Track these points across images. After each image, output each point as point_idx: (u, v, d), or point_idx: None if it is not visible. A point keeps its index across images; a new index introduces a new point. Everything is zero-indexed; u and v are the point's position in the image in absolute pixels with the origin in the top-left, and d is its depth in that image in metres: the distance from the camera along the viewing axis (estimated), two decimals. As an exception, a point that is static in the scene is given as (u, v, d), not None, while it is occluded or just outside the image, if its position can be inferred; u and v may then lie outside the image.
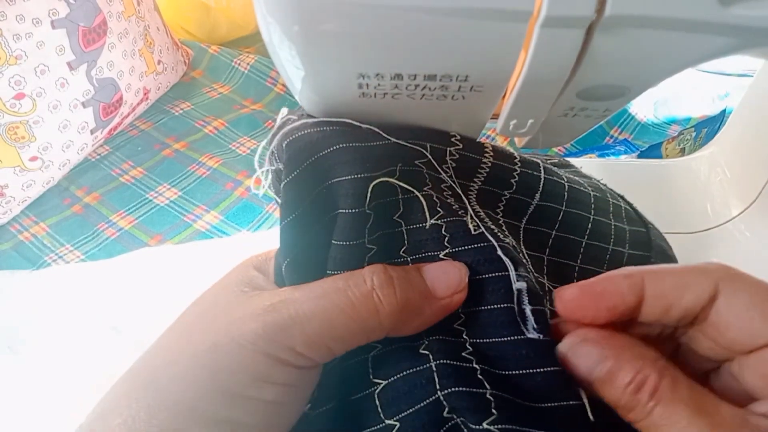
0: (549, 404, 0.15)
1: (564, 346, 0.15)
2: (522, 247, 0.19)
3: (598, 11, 0.12)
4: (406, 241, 0.17)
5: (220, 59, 0.87)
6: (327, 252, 0.16)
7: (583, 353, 0.14)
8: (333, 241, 0.16)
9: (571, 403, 0.15)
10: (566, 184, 0.20)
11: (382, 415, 0.16)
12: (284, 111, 0.19)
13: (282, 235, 0.17)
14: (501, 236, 0.17)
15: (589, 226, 0.21)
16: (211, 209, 0.64)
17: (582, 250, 0.21)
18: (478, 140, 0.19)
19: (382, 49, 0.13)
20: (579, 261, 0.21)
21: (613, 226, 0.22)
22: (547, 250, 0.20)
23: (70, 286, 0.56)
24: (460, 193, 0.18)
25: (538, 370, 0.15)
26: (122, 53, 0.70)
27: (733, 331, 0.14)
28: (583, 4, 0.12)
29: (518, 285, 0.16)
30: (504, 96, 0.16)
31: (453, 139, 0.18)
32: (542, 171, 0.20)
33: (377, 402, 0.16)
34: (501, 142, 0.70)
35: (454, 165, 0.18)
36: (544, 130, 0.18)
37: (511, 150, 0.20)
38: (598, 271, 0.21)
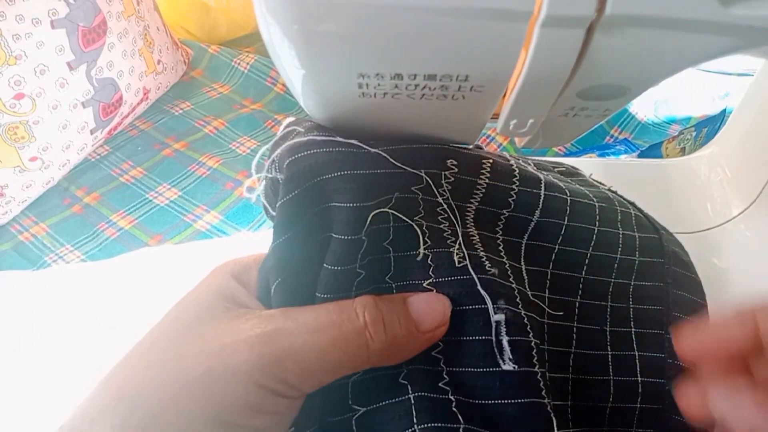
0: None
1: (716, 397, 0.14)
2: (522, 263, 0.19)
3: (598, 11, 0.12)
4: (392, 268, 0.17)
5: (219, 59, 0.87)
6: (317, 274, 0.17)
7: (737, 402, 0.13)
8: (324, 265, 0.16)
9: None
10: (568, 198, 0.20)
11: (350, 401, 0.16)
12: (290, 119, 0.19)
13: (274, 253, 0.17)
14: (488, 265, 0.17)
15: (594, 237, 0.21)
16: (211, 209, 0.64)
17: (587, 261, 0.21)
18: (477, 156, 0.19)
19: (382, 48, 0.13)
20: (584, 272, 0.21)
21: (621, 235, 0.22)
22: (551, 264, 0.20)
23: (70, 287, 0.56)
24: (454, 217, 0.18)
25: (511, 401, 0.16)
26: (122, 53, 0.70)
27: None
28: (583, 3, 0.12)
29: (496, 317, 0.16)
30: (504, 96, 0.16)
31: (449, 163, 0.18)
32: (543, 188, 0.20)
33: (354, 428, 0.16)
34: (501, 142, 0.70)
35: (449, 188, 0.18)
36: (544, 129, 0.18)
37: (512, 165, 0.20)
38: (606, 281, 0.21)
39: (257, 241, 0.60)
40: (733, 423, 0.14)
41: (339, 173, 0.16)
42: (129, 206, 0.65)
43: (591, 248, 0.21)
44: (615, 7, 0.12)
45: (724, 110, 0.60)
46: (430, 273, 0.17)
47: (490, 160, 0.19)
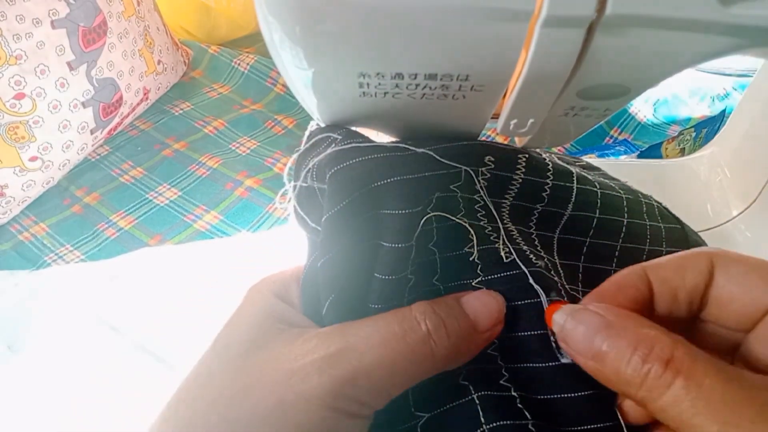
0: (586, 427, 0.15)
1: (560, 317, 0.14)
2: (556, 257, 0.19)
3: (598, 11, 0.12)
4: (438, 269, 0.17)
5: (220, 59, 0.87)
6: (368, 284, 0.16)
7: (583, 319, 0.14)
8: (376, 275, 0.16)
9: (607, 424, 0.15)
10: (599, 191, 0.20)
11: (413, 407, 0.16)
12: (312, 124, 0.19)
13: (323, 269, 0.16)
14: (533, 259, 0.17)
15: (624, 229, 0.21)
16: (211, 209, 0.64)
17: (617, 253, 0.21)
18: (513, 151, 0.19)
19: (382, 48, 0.13)
20: (615, 264, 0.21)
21: (648, 226, 0.22)
22: (582, 257, 0.20)
23: (69, 286, 0.56)
24: (494, 213, 0.17)
25: (573, 394, 0.15)
26: (122, 53, 0.70)
27: (735, 302, 0.14)
28: (583, 3, 0.12)
29: (546, 298, 0.16)
30: (504, 95, 0.16)
31: (486, 159, 0.18)
32: (575, 181, 0.20)
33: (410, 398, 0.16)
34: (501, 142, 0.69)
35: (486, 184, 0.18)
36: (545, 129, 0.18)
37: (546, 159, 0.19)
38: None
39: (257, 241, 0.60)
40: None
41: (389, 180, 0.16)
42: (129, 206, 0.65)
43: (621, 240, 0.21)
44: (615, 7, 0.12)
45: (724, 110, 0.60)
46: (478, 271, 0.17)
47: (526, 155, 0.19)
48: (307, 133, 0.18)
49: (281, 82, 0.82)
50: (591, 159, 0.61)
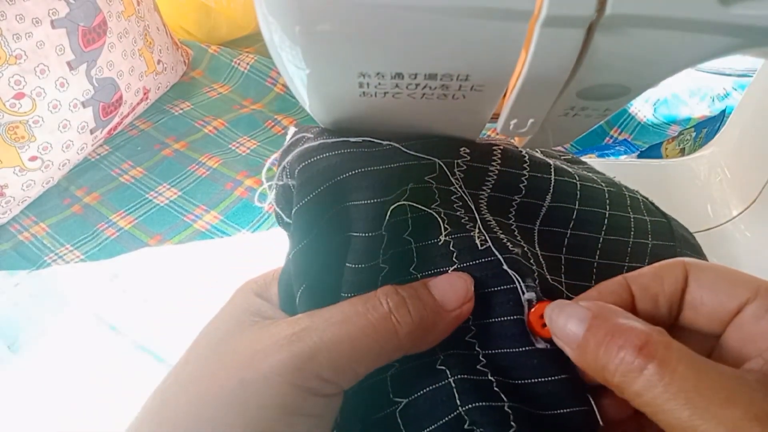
0: (561, 410, 0.15)
1: (550, 310, 0.15)
2: (537, 249, 0.19)
3: (598, 11, 0.12)
4: (415, 259, 0.17)
5: (219, 59, 0.87)
6: (340, 275, 0.16)
7: (570, 312, 0.15)
8: (347, 264, 0.16)
9: (583, 408, 0.15)
10: (578, 182, 0.20)
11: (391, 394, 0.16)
12: (295, 127, 0.19)
13: (295, 261, 0.16)
14: (510, 246, 0.17)
15: (606, 221, 0.21)
16: (211, 209, 0.64)
17: (599, 245, 0.21)
18: (487, 144, 0.19)
19: (382, 48, 0.13)
20: (597, 257, 0.21)
21: (632, 219, 0.22)
22: (564, 249, 0.20)
23: (69, 286, 0.56)
24: (471, 204, 0.18)
25: (549, 378, 0.16)
26: (122, 53, 0.70)
27: (706, 306, 0.15)
28: (583, 3, 0.12)
29: (527, 296, 0.16)
30: (504, 95, 0.16)
31: (462, 151, 0.18)
32: (552, 172, 0.20)
33: (399, 421, 0.16)
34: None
35: (462, 176, 0.18)
36: (545, 129, 0.18)
37: (522, 152, 0.20)
38: (620, 265, 0.21)
39: (257, 241, 0.60)
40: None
41: (354, 172, 0.16)
42: (129, 206, 0.65)
43: (603, 232, 0.21)
44: (615, 7, 0.12)
45: (724, 110, 0.60)
46: (454, 259, 0.17)
47: (501, 147, 0.19)
48: (288, 135, 0.19)
49: (281, 81, 0.82)
50: (591, 159, 0.61)
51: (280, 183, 0.18)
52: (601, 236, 0.21)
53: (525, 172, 0.19)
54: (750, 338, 0.14)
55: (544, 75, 0.14)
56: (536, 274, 0.17)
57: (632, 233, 0.21)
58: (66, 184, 0.68)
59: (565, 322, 0.14)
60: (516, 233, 0.19)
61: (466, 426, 0.15)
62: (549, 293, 0.17)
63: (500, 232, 0.18)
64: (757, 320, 0.14)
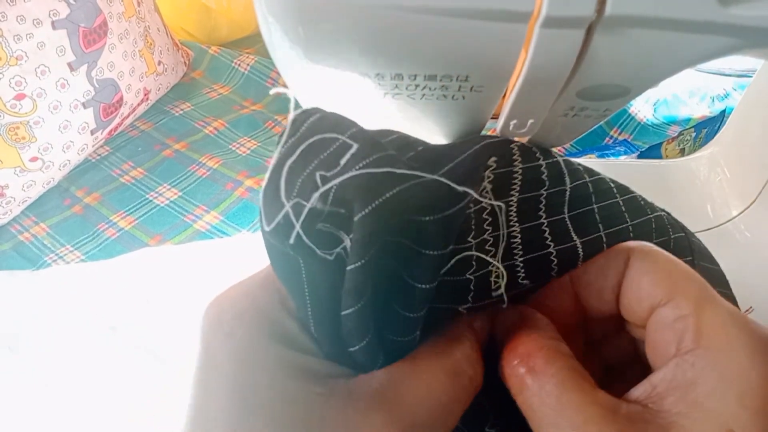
0: None
1: (500, 316, 0.17)
2: (575, 238, 0.19)
3: (598, 11, 0.12)
4: (443, 288, 0.17)
5: (220, 60, 0.87)
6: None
7: (504, 319, 0.16)
8: (416, 285, 0.14)
9: None
10: (579, 166, 0.21)
11: None
12: (291, 110, 0.16)
13: (354, 319, 0.14)
14: (520, 278, 0.17)
15: (620, 199, 0.21)
16: (211, 209, 0.64)
17: (623, 210, 0.20)
18: (506, 142, 0.19)
19: (382, 49, 0.13)
20: (628, 219, 0.20)
21: (640, 198, 0.22)
22: (600, 225, 0.20)
23: (70, 287, 0.56)
24: (499, 220, 0.18)
25: None
26: (123, 54, 0.70)
27: (628, 297, 0.15)
28: (583, 4, 0.12)
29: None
30: (504, 96, 0.16)
31: (491, 161, 0.18)
32: (556, 155, 0.20)
33: None
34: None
35: (491, 186, 0.18)
36: (544, 130, 0.18)
37: (527, 144, 0.20)
38: (648, 227, 0.21)
39: (257, 241, 0.60)
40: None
41: (426, 218, 0.13)
42: (129, 206, 0.65)
43: (622, 202, 0.21)
44: (615, 8, 0.12)
45: (724, 111, 0.60)
46: (469, 298, 0.17)
47: (517, 143, 0.19)
48: (290, 119, 0.14)
49: (281, 82, 0.82)
50: (591, 159, 0.61)
51: (326, 209, 0.13)
52: (620, 200, 0.20)
53: (541, 161, 0.19)
54: (654, 345, 0.14)
55: (544, 76, 0.14)
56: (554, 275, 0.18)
57: (648, 210, 0.21)
58: (66, 184, 0.68)
59: (502, 328, 0.16)
60: (547, 233, 0.19)
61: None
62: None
63: (519, 253, 0.18)
64: (662, 327, 0.14)
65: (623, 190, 0.21)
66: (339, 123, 0.14)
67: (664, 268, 0.15)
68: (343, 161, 0.13)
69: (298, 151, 0.14)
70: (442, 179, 0.14)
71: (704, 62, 0.15)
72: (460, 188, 0.14)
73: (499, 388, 0.16)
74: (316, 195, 0.13)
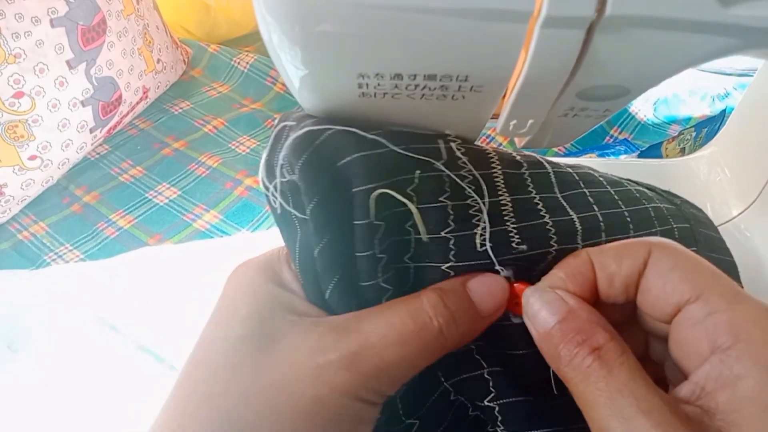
0: (540, 376, 0.16)
1: (529, 293, 0.16)
2: (573, 213, 0.19)
3: (598, 11, 0.12)
4: (412, 249, 0.17)
5: (219, 58, 0.87)
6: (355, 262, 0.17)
7: (546, 299, 0.16)
8: (356, 254, 0.16)
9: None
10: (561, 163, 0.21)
11: (403, 417, 0.17)
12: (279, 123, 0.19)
13: (321, 257, 0.16)
14: (515, 242, 0.17)
15: (611, 189, 0.21)
16: (211, 208, 0.64)
17: (617, 198, 0.20)
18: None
19: (381, 49, 0.13)
20: (624, 206, 0.20)
21: (635, 191, 0.21)
22: (594, 207, 0.19)
23: (69, 286, 0.56)
24: (482, 187, 0.17)
25: (526, 351, 0.17)
26: (121, 52, 0.70)
27: (652, 293, 0.15)
28: (583, 4, 0.12)
29: (505, 273, 0.17)
30: (504, 96, 0.16)
31: (449, 137, 0.18)
32: (536, 155, 0.20)
33: (399, 405, 0.18)
34: (501, 142, 0.70)
35: (467, 158, 0.18)
36: (544, 130, 0.18)
37: (527, 143, 0.20)
38: (647, 216, 0.21)
39: (257, 240, 0.60)
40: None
41: (352, 157, 0.16)
42: (128, 205, 0.65)
43: (614, 191, 0.21)
44: (615, 8, 0.12)
45: (724, 110, 0.60)
46: (451, 257, 0.17)
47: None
48: (273, 130, 0.19)
49: (281, 81, 0.82)
50: (591, 159, 0.61)
51: (285, 180, 0.17)
52: (611, 190, 0.20)
53: (517, 156, 0.19)
54: (682, 342, 0.14)
55: (544, 76, 0.14)
56: (554, 253, 0.17)
57: (645, 202, 0.21)
58: (65, 183, 0.68)
59: (540, 308, 0.15)
60: (540, 206, 0.18)
61: (452, 396, 0.17)
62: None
63: (512, 221, 0.17)
64: (692, 324, 0.14)
65: (614, 182, 0.21)
66: (293, 114, 0.18)
67: (690, 265, 0.15)
68: (284, 139, 0.17)
69: (269, 145, 0.18)
70: (352, 129, 0.16)
71: (704, 62, 0.15)
72: (370, 135, 0.16)
73: (504, 364, 0.16)
74: (277, 170, 0.17)
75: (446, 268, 0.17)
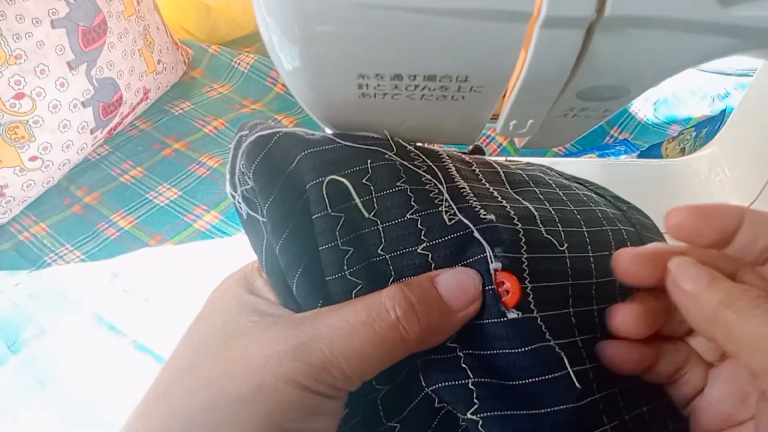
0: (532, 380, 0.15)
1: (674, 263, 0.16)
2: (525, 203, 0.19)
3: (598, 11, 0.12)
4: (383, 239, 0.17)
5: (220, 59, 0.87)
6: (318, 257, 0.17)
7: (690, 273, 0.15)
8: (319, 248, 0.16)
9: (556, 375, 0.15)
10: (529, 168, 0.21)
11: (384, 419, 0.17)
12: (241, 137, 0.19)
13: (282, 253, 0.17)
14: (482, 214, 0.17)
15: (559, 191, 0.21)
16: (211, 209, 0.64)
17: (564, 198, 0.21)
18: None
19: (381, 49, 0.13)
20: (572, 207, 0.20)
21: (583, 195, 0.22)
22: (545, 203, 0.20)
23: (69, 286, 0.56)
24: (437, 174, 0.17)
25: (519, 349, 0.16)
26: (122, 53, 0.70)
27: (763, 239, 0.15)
28: (583, 4, 0.12)
29: (494, 265, 0.16)
30: (504, 96, 0.16)
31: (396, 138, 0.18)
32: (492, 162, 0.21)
33: (380, 406, 0.17)
34: (501, 142, 0.70)
35: (420, 151, 0.18)
36: (544, 130, 0.18)
37: (527, 143, 0.20)
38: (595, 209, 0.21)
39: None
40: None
41: (304, 153, 0.17)
42: (129, 206, 0.65)
43: (563, 194, 0.21)
44: (614, 8, 0.12)
45: (724, 110, 0.60)
46: (422, 237, 0.16)
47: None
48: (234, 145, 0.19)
49: (281, 81, 0.82)
50: (591, 159, 0.61)
51: (247, 187, 0.18)
52: (559, 192, 0.21)
53: (466, 157, 0.20)
54: None
55: (544, 76, 0.14)
56: (522, 232, 0.17)
57: (592, 205, 0.21)
58: (66, 183, 0.68)
59: (687, 281, 0.15)
60: (496, 193, 0.18)
61: (436, 404, 0.16)
62: (536, 246, 0.17)
63: (474, 199, 0.17)
64: None
65: (562, 185, 0.22)
66: (248, 123, 0.19)
67: None
68: (241, 149, 0.18)
69: (230, 156, 0.19)
70: (301, 130, 0.17)
71: (704, 62, 0.15)
72: (318, 134, 0.17)
73: (493, 371, 0.16)
74: (237, 180, 0.18)
75: (421, 250, 0.16)
